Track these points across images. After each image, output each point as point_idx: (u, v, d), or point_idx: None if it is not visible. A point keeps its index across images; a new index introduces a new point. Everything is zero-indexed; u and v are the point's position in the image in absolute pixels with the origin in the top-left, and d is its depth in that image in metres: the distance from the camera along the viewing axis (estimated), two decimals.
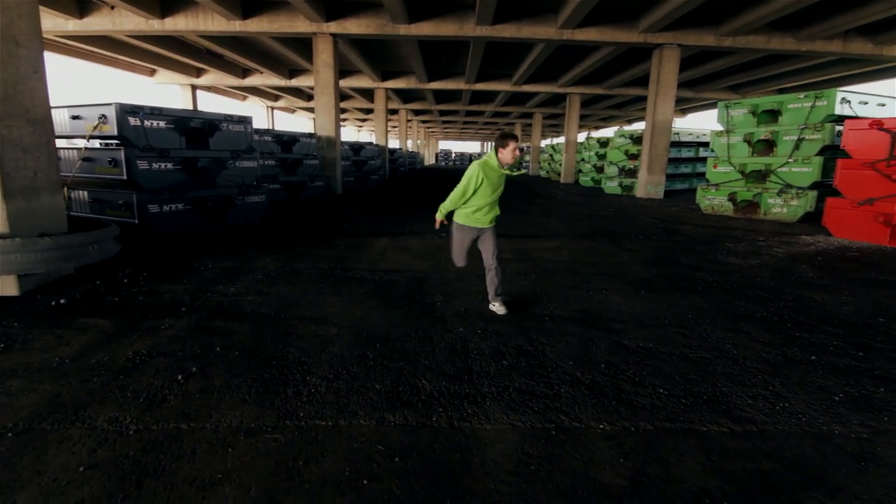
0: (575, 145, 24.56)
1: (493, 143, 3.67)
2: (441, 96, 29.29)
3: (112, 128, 6.43)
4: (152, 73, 22.41)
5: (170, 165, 7.07)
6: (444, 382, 2.72)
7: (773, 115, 9.50)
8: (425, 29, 13.65)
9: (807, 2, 11.13)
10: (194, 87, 24.01)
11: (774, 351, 3.27)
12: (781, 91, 22.28)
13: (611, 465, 2.04)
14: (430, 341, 3.31)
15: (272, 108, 33.45)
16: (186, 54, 18.58)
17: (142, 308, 3.84)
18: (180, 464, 1.98)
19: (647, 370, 2.92)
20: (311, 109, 34.15)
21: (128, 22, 13.54)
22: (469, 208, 3.69)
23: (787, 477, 1.98)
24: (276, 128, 34.71)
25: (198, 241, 6.64)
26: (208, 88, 26.56)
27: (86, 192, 7.00)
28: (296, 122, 45.56)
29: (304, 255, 5.90)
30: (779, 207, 9.32)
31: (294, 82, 22.87)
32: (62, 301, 3.92)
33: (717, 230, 8.51)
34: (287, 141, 12.38)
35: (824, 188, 9.06)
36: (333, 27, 13.55)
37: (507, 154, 3.59)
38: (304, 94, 29.94)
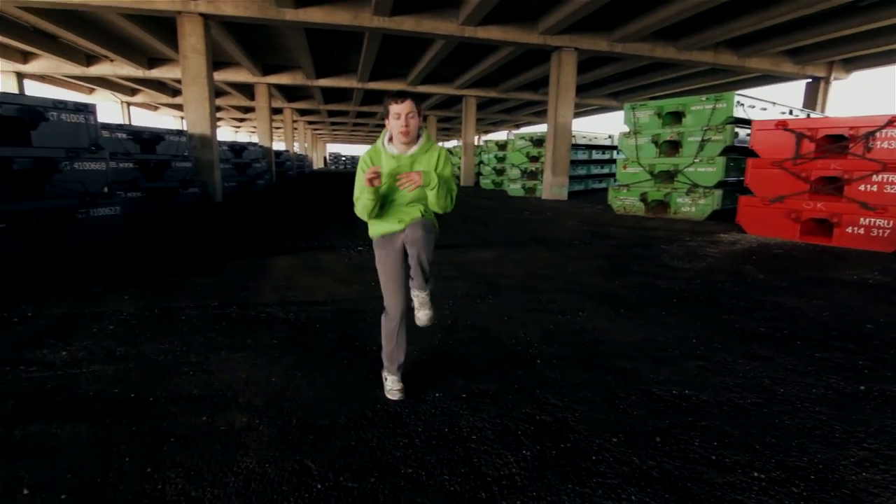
0: (473, 148, 24.44)
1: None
2: (330, 95, 27.47)
3: None
4: None
5: None
6: None
7: (677, 116, 9.74)
8: (315, 15, 12.17)
9: (686, 14, 11.82)
10: (20, 76, 19.57)
11: (817, 383, 2.69)
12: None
13: None
14: (399, 423, 2.19)
15: (129, 104, 28.76)
16: (7, 33, 14.80)
17: None
18: None
19: (713, 439, 2.12)
20: (178, 106, 30.05)
21: None
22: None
23: None
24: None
25: (16, 274, 4.69)
26: (41, 78, 21.85)
27: None
28: (160, 121, 40.06)
29: (180, 288, 4.34)
30: (688, 206, 9.56)
31: (155, 73, 19.57)
32: None
33: (641, 231, 8.37)
34: (148, 138, 10.14)
35: (728, 186, 9.45)
36: (203, 6, 11.47)
37: (397, 125, 2.02)
38: (169, 89, 26.14)
